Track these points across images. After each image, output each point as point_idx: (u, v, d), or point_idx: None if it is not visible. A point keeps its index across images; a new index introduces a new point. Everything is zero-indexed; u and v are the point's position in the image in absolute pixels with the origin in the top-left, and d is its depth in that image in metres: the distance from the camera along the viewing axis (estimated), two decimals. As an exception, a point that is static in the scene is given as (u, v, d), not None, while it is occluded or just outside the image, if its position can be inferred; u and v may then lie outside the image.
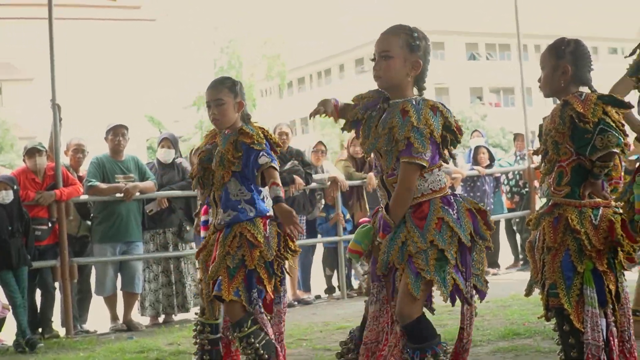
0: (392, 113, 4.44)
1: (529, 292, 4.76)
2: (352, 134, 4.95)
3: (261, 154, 5.43)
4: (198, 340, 5.92)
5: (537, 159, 8.58)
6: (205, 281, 5.68)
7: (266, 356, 5.35)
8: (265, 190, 5.61)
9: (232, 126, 5.64)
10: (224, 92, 5.62)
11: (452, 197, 4.50)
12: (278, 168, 5.49)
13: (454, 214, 4.41)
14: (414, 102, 4.42)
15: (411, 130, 4.32)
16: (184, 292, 9.99)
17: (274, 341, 5.49)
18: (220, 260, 5.45)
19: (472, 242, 4.44)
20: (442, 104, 4.47)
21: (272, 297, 5.62)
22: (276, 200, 5.29)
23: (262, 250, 5.41)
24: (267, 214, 5.60)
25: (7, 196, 8.53)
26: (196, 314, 6.17)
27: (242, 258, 5.43)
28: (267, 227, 5.53)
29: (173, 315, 10.09)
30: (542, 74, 4.66)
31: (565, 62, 4.55)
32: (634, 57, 4.00)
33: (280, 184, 5.38)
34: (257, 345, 5.40)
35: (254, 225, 5.46)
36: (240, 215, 5.52)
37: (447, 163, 4.73)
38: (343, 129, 4.87)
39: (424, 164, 4.37)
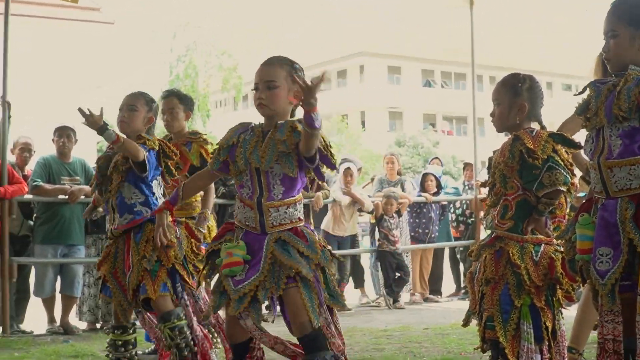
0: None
1: (466, 323, 4.79)
2: None
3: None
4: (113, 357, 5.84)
5: (484, 190, 8.60)
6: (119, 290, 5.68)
7: (185, 352, 5.48)
8: (158, 191, 5.76)
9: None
10: (140, 101, 5.84)
11: None
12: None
13: None
14: None
15: None
16: (124, 299, 9.89)
17: (200, 333, 5.73)
18: (137, 265, 5.49)
19: None
20: None
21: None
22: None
23: (175, 249, 5.55)
24: None
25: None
26: (107, 330, 6.18)
27: (158, 259, 5.51)
28: (177, 228, 5.68)
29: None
30: (496, 109, 4.69)
31: (522, 99, 4.60)
32: (583, 95, 4.02)
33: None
34: (183, 339, 5.51)
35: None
36: (137, 217, 5.62)
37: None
38: None
39: None
